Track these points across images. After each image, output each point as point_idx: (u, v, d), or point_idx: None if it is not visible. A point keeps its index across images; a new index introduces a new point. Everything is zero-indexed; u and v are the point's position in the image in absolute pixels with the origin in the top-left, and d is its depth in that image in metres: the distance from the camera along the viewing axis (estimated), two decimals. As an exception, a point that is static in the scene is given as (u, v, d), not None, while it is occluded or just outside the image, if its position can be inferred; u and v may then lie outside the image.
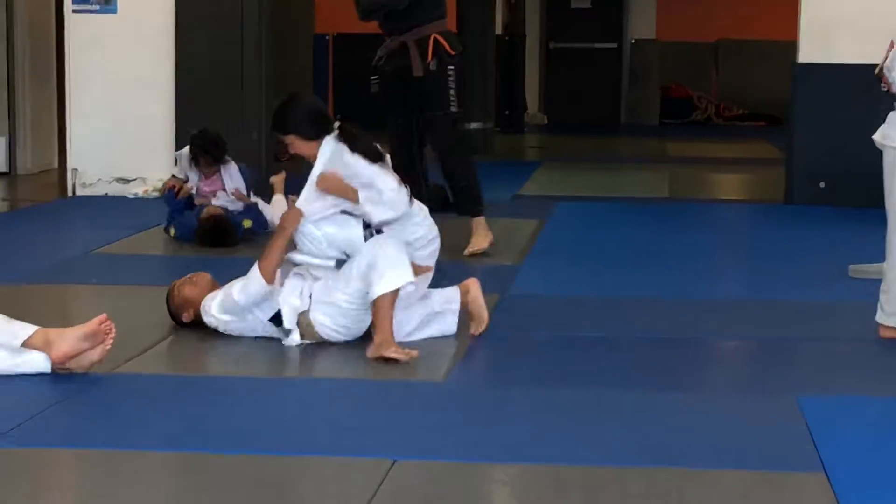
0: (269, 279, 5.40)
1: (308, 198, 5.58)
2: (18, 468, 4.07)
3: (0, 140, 11.87)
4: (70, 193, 10.56)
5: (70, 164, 10.61)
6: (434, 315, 5.70)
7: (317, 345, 5.52)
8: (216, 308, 5.53)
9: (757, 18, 18.52)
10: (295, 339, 5.47)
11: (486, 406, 4.78)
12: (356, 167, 5.58)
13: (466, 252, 7.71)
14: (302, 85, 14.29)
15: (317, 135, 5.61)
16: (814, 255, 8.13)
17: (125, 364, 5.21)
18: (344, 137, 5.62)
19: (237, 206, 8.27)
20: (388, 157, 5.77)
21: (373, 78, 7.68)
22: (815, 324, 6.19)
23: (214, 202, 8.23)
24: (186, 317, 5.64)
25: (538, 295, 6.81)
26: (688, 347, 5.75)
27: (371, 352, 5.35)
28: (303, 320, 5.46)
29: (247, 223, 8.21)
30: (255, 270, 5.44)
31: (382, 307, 5.35)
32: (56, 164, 12.33)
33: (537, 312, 6.40)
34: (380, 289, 5.34)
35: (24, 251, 8.10)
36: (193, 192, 8.29)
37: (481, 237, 7.81)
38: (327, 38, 17.81)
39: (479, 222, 7.87)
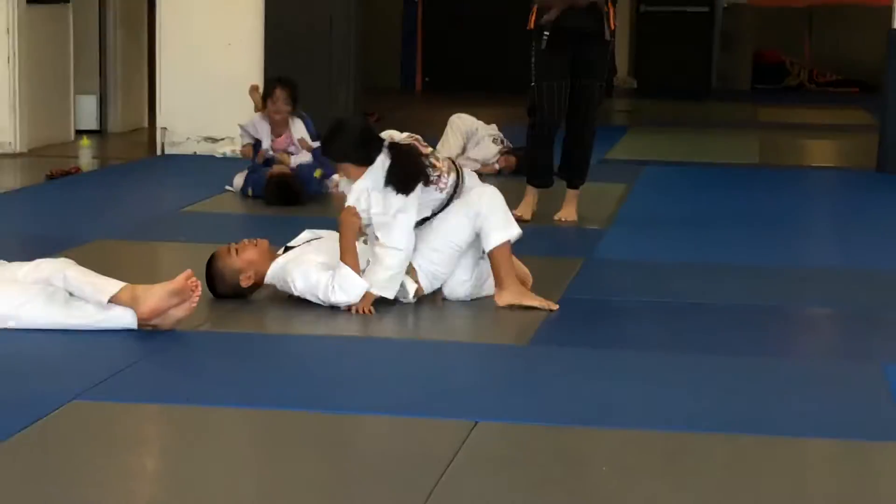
0: (358, 268, 5.42)
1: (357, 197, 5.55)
2: (102, 422, 4.11)
3: (91, 99, 11.99)
4: (159, 152, 10.65)
5: (159, 122, 10.70)
6: (487, 274, 5.67)
7: (401, 306, 5.52)
8: (312, 295, 5.44)
9: (851, -17, 18.24)
10: (411, 290, 5.51)
11: (569, 369, 4.75)
12: (388, 200, 5.50)
13: (557, 217, 7.70)
14: (391, 42, 14.29)
15: (368, 159, 5.53)
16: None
17: (209, 322, 5.24)
18: (391, 157, 5.53)
19: (308, 157, 8.31)
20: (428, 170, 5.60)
21: (545, 33, 7.43)
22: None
23: (294, 160, 8.29)
24: (246, 280, 5.50)
25: (623, 260, 6.76)
26: (775, 314, 5.69)
27: (504, 299, 5.50)
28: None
29: (318, 173, 8.26)
30: (345, 276, 5.39)
31: (504, 256, 5.50)
32: (145, 123, 12.43)
33: (622, 277, 6.36)
34: (498, 237, 5.45)
35: (113, 208, 8.18)
36: (270, 152, 8.35)
37: (573, 209, 7.72)
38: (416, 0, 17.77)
39: (577, 195, 7.77)
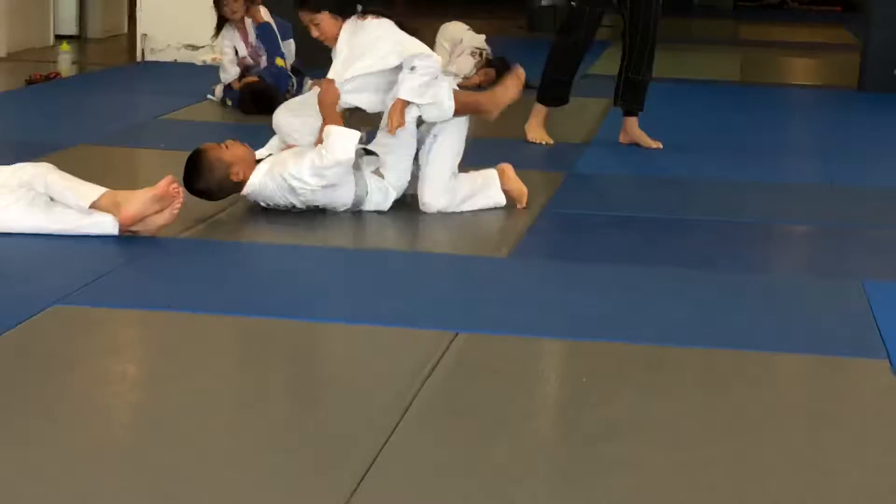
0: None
1: (338, 71, 5.54)
2: (84, 327, 4.12)
3: (71, 3, 11.88)
4: (139, 59, 10.58)
5: (140, 29, 10.62)
6: (480, 188, 5.71)
7: (382, 216, 5.53)
8: (308, 174, 5.40)
9: None
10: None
11: (549, 282, 4.78)
12: (383, 30, 5.57)
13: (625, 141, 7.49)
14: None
15: (344, 9, 5.55)
16: (886, 143, 8.02)
17: (190, 229, 5.24)
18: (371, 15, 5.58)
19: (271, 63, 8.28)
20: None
21: None
22: (886, 211, 6.12)
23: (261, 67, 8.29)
24: (235, 174, 5.40)
25: (604, 174, 6.78)
26: (754, 230, 5.72)
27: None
28: None
29: (280, 62, 8.25)
30: (332, 133, 5.40)
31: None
32: (125, 29, 12.34)
33: (603, 191, 6.38)
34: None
35: (92, 114, 8.14)
36: (248, 59, 8.33)
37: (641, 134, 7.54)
38: None
39: (635, 122, 7.56)
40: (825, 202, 6.30)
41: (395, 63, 5.55)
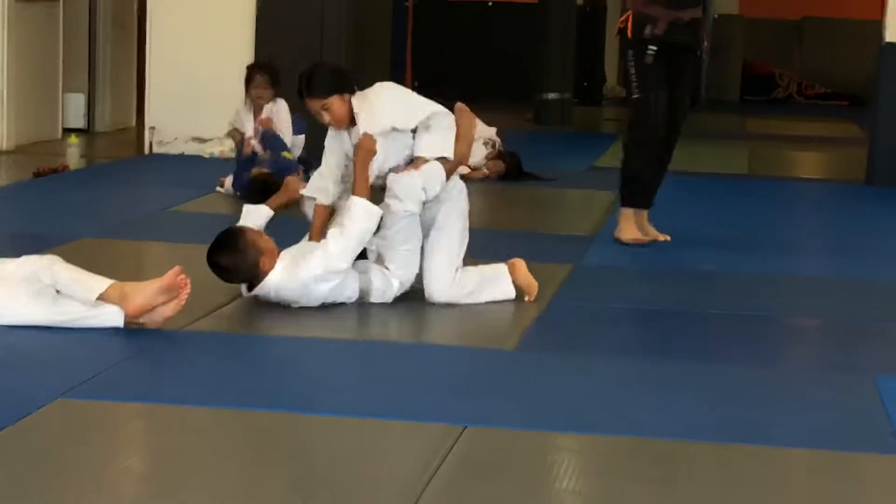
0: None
1: (371, 124, 5.57)
2: (87, 420, 4.08)
3: (79, 97, 11.95)
4: (147, 151, 10.61)
5: (148, 122, 10.67)
6: (488, 280, 5.69)
7: (388, 307, 5.49)
8: (339, 260, 5.37)
9: (843, -4, 18.27)
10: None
11: (558, 375, 4.73)
12: (414, 97, 5.70)
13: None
14: (381, 51, 14.26)
15: (351, 86, 5.64)
16: (894, 237, 8.00)
17: (197, 322, 5.21)
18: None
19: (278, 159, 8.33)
20: None
21: (651, 48, 7.04)
22: (895, 304, 6.08)
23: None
24: (264, 264, 5.34)
25: (612, 266, 6.75)
26: (764, 323, 5.68)
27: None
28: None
29: (286, 154, 8.29)
30: (357, 204, 5.40)
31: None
32: (133, 122, 12.39)
33: (610, 284, 6.34)
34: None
35: (100, 207, 8.15)
36: (255, 143, 8.37)
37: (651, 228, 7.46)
38: (407, 3, 17.76)
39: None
40: (835, 296, 6.26)
41: (414, 125, 5.61)
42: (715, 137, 14.02)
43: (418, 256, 5.60)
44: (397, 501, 3.44)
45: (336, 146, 5.71)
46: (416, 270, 5.61)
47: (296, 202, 5.81)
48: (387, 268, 5.54)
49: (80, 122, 11.89)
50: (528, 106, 15.11)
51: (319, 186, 5.72)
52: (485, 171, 9.71)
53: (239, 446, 4.00)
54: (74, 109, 11.85)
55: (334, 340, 5.13)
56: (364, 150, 5.51)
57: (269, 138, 8.34)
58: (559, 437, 4.07)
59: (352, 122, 5.62)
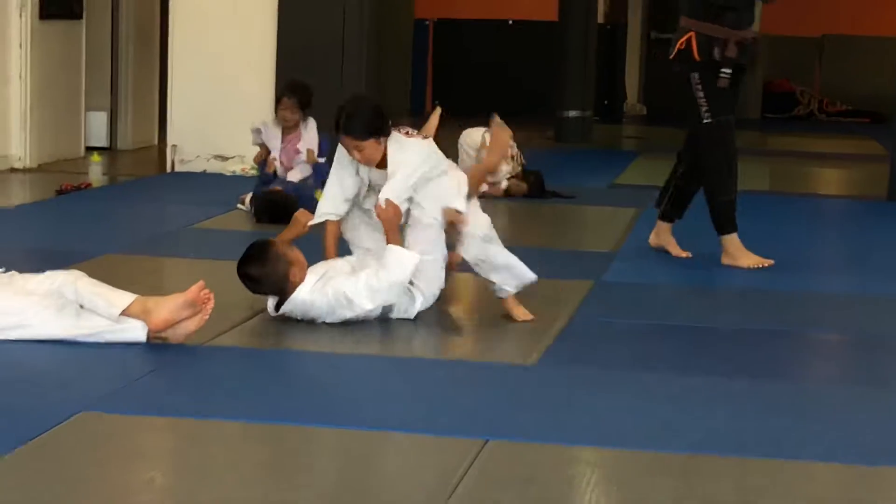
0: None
1: (398, 192, 5.55)
2: (111, 434, 4.09)
3: (101, 115, 12.01)
4: (169, 169, 10.66)
5: (170, 140, 10.71)
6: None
7: (411, 323, 5.50)
8: (367, 298, 5.38)
9: (863, 14, 18.25)
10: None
11: (579, 389, 4.73)
12: (440, 157, 5.70)
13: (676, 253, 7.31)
14: (401, 70, 14.33)
15: (387, 130, 5.59)
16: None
17: (220, 336, 5.22)
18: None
19: (307, 172, 8.34)
20: None
21: (725, 71, 6.95)
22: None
23: (290, 176, 8.34)
24: (294, 275, 5.37)
25: (633, 283, 6.75)
26: (786, 339, 5.67)
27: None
28: None
29: (318, 194, 8.28)
30: (393, 252, 5.41)
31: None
32: (156, 141, 12.46)
33: (632, 300, 6.34)
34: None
35: (122, 224, 8.18)
36: (277, 164, 8.39)
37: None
38: (427, 23, 17.81)
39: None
40: (857, 311, 6.25)
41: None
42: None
43: (443, 269, 5.60)
44: (419, 514, 3.44)
45: (353, 169, 5.69)
46: (441, 284, 5.60)
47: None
48: (411, 282, 5.53)
49: (102, 141, 11.95)
50: (549, 124, 15.13)
51: (327, 211, 5.71)
52: (501, 187, 9.69)
53: (262, 460, 4.00)
54: (97, 127, 11.92)
55: (357, 356, 5.14)
56: (388, 220, 5.51)
57: (323, 174, 8.34)
58: (581, 451, 4.07)
59: (381, 163, 5.62)
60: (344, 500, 3.64)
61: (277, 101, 8.59)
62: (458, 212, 5.54)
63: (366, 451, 4.06)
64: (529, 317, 5.62)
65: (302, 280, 5.40)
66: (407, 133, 5.68)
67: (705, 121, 7.03)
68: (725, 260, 7.15)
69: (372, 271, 5.39)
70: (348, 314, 5.41)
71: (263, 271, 5.39)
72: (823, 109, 18.39)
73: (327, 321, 5.43)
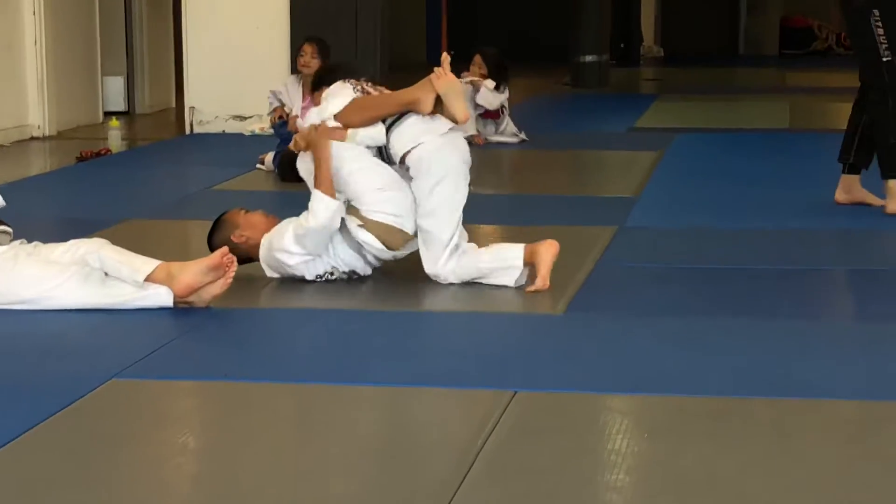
0: (333, 194, 5.33)
1: (316, 115, 5.52)
2: (142, 399, 4.12)
3: (118, 80, 12.01)
4: (188, 131, 10.66)
5: (187, 102, 10.71)
6: (495, 267, 5.40)
7: (432, 280, 5.47)
8: (291, 242, 5.35)
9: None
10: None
11: (607, 337, 4.73)
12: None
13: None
14: (416, 20, 14.30)
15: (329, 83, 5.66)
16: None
17: (245, 299, 5.23)
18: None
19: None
20: None
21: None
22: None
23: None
24: (237, 237, 5.39)
25: (656, 227, 6.73)
26: (810, 277, 5.66)
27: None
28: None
29: None
30: (317, 198, 5.34)
31: None
32: (173, 103, 12.46)
33: (655, 244, 6.33)
34: None
35: (143, 189, 8.19)
36: (299, 121, 8.39)
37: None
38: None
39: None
40: (882, 246, 6.23)
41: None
42: (755, 93, 13.96)
43: (398, 197, 5.41)
44: (452, 467, 3.45)
45: None
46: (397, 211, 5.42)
47: None
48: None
49: (120, 105, 11.96)
50: (565, 70, 15.08)
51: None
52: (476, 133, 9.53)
53: (292, 420, 4.02)
54: (114, 92, 11.93)
55: (383, 312, 5.14)
56: (313, 143, 5.45)
57: None
58: (610, 399, 4.07)
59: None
60: (376, 456, 3.66)
61: (298, 49, 8.57)
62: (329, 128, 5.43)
63: (395, 407, 4.07)
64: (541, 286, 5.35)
65: (251, 240, 5.43)
66: (362, 88, 5.58)
67: (885, 59, 6.80)
68: (892, 207, 6.88)
69: (296, 221, 5.39)
70: (289, 262, 5.39)
71: (215, 239, 5.46)
72: (842, 43, 18.28)
73: (298, 275, 5.42)
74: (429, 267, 5.41)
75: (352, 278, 5.48)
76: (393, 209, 5.39)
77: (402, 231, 5.40)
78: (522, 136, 9.80)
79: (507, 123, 9.85)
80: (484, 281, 5.42)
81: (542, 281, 5.31)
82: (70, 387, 4.10)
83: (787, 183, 8.07)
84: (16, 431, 3.70)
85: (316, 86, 5.81)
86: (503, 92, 9.72)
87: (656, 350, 4.53)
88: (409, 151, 5.40)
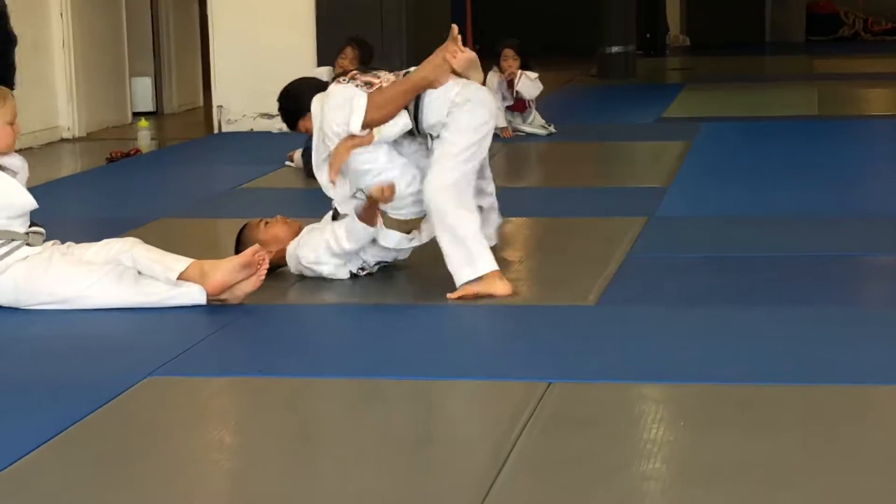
0: (373, 223, 5.31)
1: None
2: (178, 396, 4.14)
3: (146, 80, 12.05)
4: (216, 130, 10.69)
5: (215, 101, 10.74)
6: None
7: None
8: (325, 252, 5.35)
9: (906, -72, 18.01)
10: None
11: (639, 327, 4.73)
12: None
13: None
14: (441, 10, 14.25)
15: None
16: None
17: (278, 296, 5.25)
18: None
19: None
20: None
21: None
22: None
23: None
24: (269, 254, 5.28)
25: (686, 216, 6.72)
26: (844, 264, 5.64)
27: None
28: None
29: None
30: (348, 220, 5.34)
31: None
32: (201, 102, 12.49)
33: (686, 233, 6.32)
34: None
35: (174, 188, 8.23)
36: None
37: None
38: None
39: None
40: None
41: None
42: (782, 80, 13.91)
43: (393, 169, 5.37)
44: (488, 459, 3.46)
45: None
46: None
47: None
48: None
49: (148, 105, 12.00)
50: (592, 61, 15.06)
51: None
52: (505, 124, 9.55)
53: (326, 414, 4.04)
54: (142, 93, 11.97)
55: (414, 306, 5.16)
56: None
57: None
58: (644, 388, 4.08)
59: None
60: (411, 450, 3.67)
61: (340, 51, 8.57)
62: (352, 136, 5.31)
63: (430, 400, 4.08)
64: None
65: (275, 253, 5.40)
66: (363, 82, 5.52)
67: None
68: None
69: (331, 237, 5.35)
70: (322, 272, 5.39)
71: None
72: (869, 29, 18.21)
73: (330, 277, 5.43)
74: (431, 178, 5.20)
75: (386, 268, 5.48)
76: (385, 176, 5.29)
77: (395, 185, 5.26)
78: (551, 128, 9.79)
79: (535, 115, 9.85)
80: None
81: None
82: (106, 385, 4.12)
83: (817, 170, 8.04)
84: (54, 430, 3.73)
85: (293, 125, 5.69)
86: (539, 83, 9.73)
87: (689, 339, 4.53)
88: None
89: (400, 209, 5.36)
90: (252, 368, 4.33)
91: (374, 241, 5.40)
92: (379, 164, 5.34)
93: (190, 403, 4.13)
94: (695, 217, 6.70)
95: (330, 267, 5.41)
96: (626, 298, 5.15)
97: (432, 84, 5.34)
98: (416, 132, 5.39)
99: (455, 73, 5.36)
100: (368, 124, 5.31)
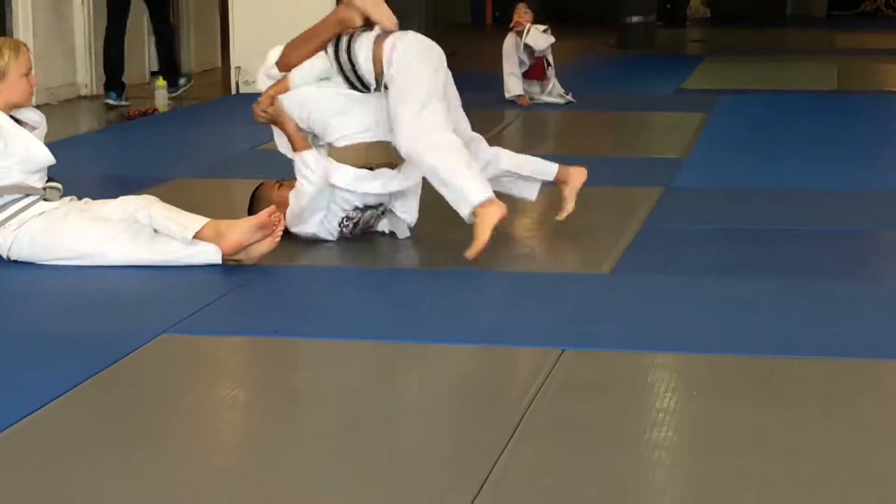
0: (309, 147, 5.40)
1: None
2: (192, 355, 4.15)
3: (164, 40, 12.02)
4: (234, 91, 10.68)
5: (233, 62, 10.73)
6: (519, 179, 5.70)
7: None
8: (297, 217, 5.40)
9: None
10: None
11: (654, 297, 4.73)
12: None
13: None
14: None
15: None
16: None
17: (292, 257, 5.26)
18: None
19: None
20: None
21: None
22: None
23: None
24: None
25: (703, 187, 6.71)
26: (860, 238, 5.63)
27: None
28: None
29: None
30: (301, 163, 5.39)
31: None
32: (219, 63, 12.47)
33: (703, 204, 6.31)
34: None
35: (191, 148, 8.23)
36: None
37: None
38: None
39: None
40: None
41: None
42: (802, 54, 13.86)
43: (358, 111, 5.46)
44: (500, 425, 3.47)
45: None
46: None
47: None
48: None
49: (166, 65, 11.97)
50: (611, 30, 15.01)
51: None
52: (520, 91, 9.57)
53: (340, 375, 4.04)
54: (161, 52, 11.93)
55: (430, 270, 5.16)
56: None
57: None
58: (658, 357, 4.08)
59: None
60: (425, 412, 3.68)
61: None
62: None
63: (443, 364, 4.09)
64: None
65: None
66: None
67: None
68: None
69: (293, 193, 5.43)
70: (309, 231, 5.44)
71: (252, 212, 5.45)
72: (891, 5, 18.12)
73: (324, 237, 5.46)
74: (397, 131, 5.25)
75: (375, 215, 5.47)
76: (357, 126, 5.41)
77: (375, 143, 5.38)
78: (569, 97, 9.77)
79: (554, 84, 9.82)
80: (503, 189, 5.56)
81: (570, 207, 5.60)
82: (120, 342, 4.13)
83: (835, 144, 8.02)
84: (68, 384, 3.75)
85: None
86: (550, 35, 9.68)
87: (703, 309, 4.53)
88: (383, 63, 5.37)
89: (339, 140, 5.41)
90: (266, 329, 4.34)
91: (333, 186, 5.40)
92: (313, 94, 5.50)
93: (204, 361, 4.14)
94: (711, 188, 6.69)
95: (311, 226, 5.43)
96: (640, 268, 5.15)
97: (343, 21, 5.51)
98: (358, 82, 5.45)
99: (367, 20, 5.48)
100: (287, 65, 5.56)
